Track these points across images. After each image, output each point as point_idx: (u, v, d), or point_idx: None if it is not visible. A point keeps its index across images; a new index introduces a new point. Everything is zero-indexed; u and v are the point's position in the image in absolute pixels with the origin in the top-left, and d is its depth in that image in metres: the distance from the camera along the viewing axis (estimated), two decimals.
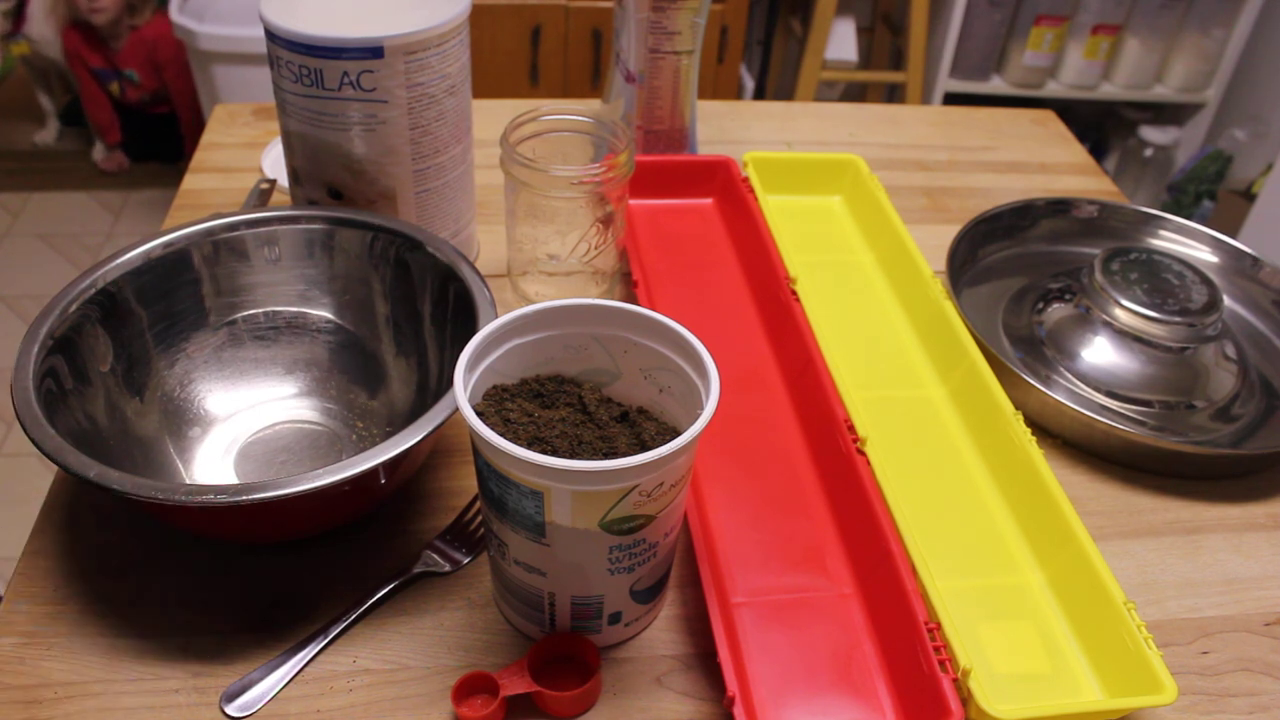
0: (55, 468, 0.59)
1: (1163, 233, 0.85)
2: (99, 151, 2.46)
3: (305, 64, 0.64)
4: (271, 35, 0.65)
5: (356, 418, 0.66)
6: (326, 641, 0.53)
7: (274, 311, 0.67)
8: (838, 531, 0.60)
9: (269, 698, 0.51)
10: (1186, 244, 0.84)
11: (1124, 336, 0.72)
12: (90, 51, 2.24)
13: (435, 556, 0.58)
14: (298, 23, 0.63)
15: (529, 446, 0.48)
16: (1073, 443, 0.69)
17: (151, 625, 0.54)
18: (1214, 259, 0.83)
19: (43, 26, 2.26)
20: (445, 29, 0.65)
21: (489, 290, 0.60)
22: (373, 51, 0.63)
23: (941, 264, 0.78)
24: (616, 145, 0.70)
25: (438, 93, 0.67)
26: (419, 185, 0.70)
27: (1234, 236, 0.89)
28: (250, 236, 0.65)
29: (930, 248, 0.82)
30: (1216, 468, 0.68)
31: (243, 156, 0.91)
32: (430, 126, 0.68)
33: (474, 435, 0.45)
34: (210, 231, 0.64)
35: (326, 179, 0.69)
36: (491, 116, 0.94)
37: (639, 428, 0.52)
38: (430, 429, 0.51)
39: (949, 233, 0.80)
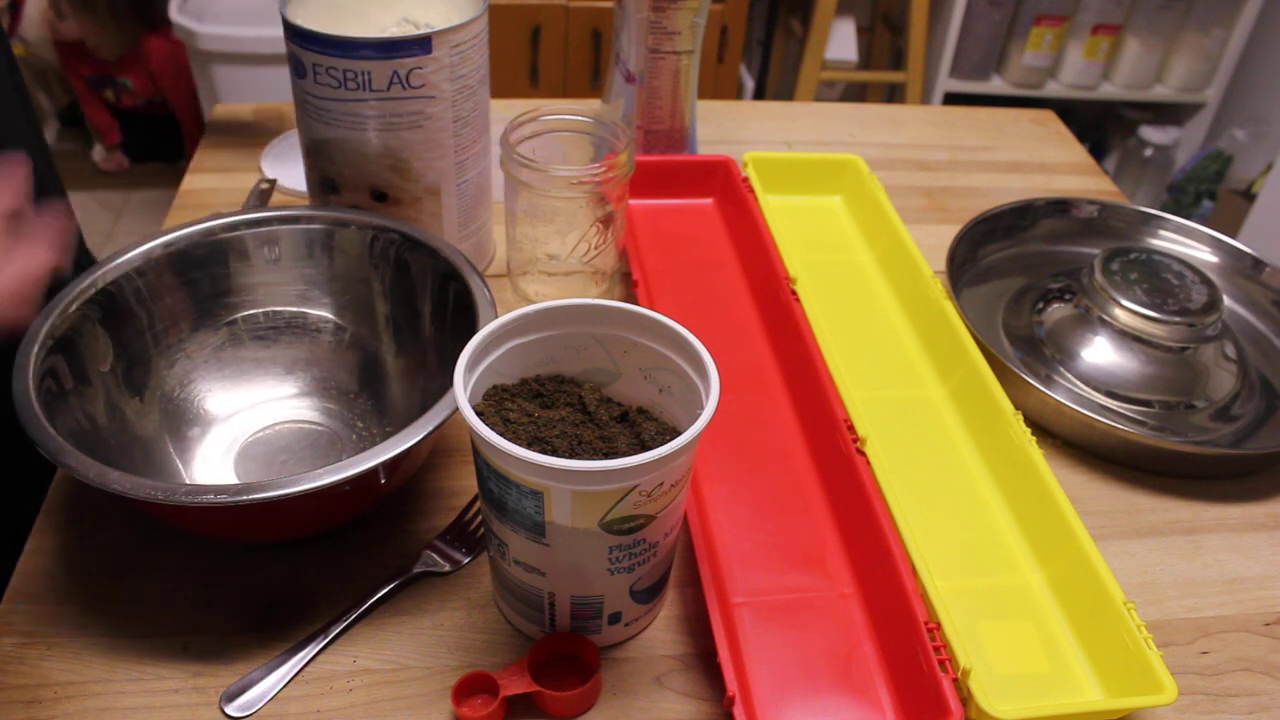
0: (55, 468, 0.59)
1: (1163, 233, 0.85)
2: (99, 152, 2.46)
3: (351, 68, 0.63)
4: (312, 43, 0.63)
5: (356, 418, 0.66)
6: (326, 641, 0.53)
7: (274, 311, 0.67)
8: (838, 531, 0.60)
9: (269, 698, 0.51)
10: (1186, 244, 0.84)
11: (1124, 336, 0.72)
12: (82, 61, 2.23)
13: (435, 556, 0.58)
14: (340, 27, 0.63)
15: (529, 446, 0.48)
16: (1073, 443, 0.69)
17: (151, 625, 0.54)
18: (1214, 259, 0.83)
19: (37, 30, 2.26)
20: (483, 15, 0.66)
21: (489, 290, 0.60)
22: (421, 46, 0.63)
23: (941, 264, 0.78)
24: (616, 145, 0.70)
25: (474, 83, 0.68)
26: (460, 177, 0.71)
27: (1234, 236, 0.89)
28: (250, 236, 0.65)
29: (930, 248, 0.82)
30: (1216, 468, 0.68)
31: (243, 156, 0.91)
32: (469, 118, 0.69)
33: (474, 435, 0.45)
34: (210, 231, 0.64)
35: (371, 183, 0.69)
36: (492, 116, 0.94)
37: (639, 428, 0.52)
38: (430, 429, 0.51)
39: (949, 233, 0.80)
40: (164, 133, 2.40)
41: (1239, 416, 0.72)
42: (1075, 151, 1.04)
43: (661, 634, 0.55)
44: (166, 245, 0.63)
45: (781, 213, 0.86)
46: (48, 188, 0.74)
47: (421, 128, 0.67)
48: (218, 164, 0.90)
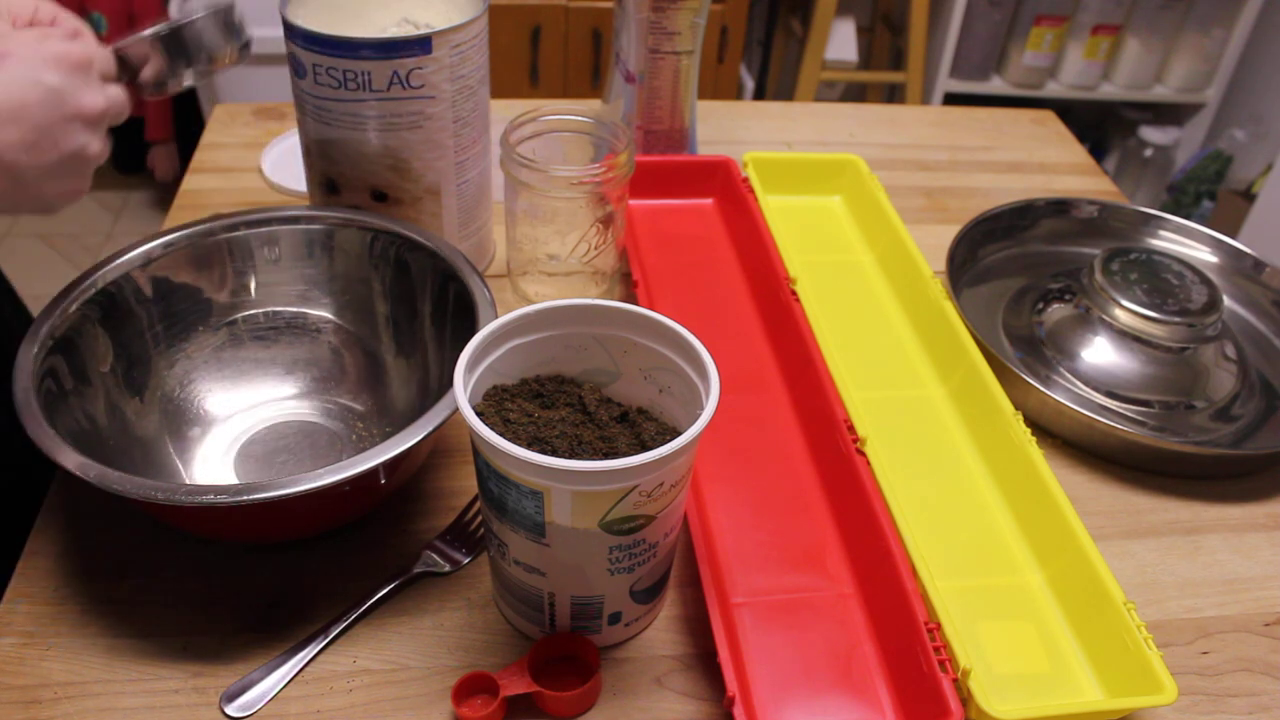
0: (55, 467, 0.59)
1: (1163, 233, 0.85)
2: None
3: (351, 68, 0.63)
4: (312, 43, 0.63)
5: (356, 418, 0.66)
6: (326, 641, 0.53)
7: (274, 311, 0.67)
8: (838, 531, 0.60)
9: (269, 698, 0.51)
10: (1186, 244, 0.84)
11: (1124, 336, 0.72)
12: None
13: (435, 556, 0.58)
14: (342, 28, 0.63)
15: (529, 446, 0.48)
16: (1073, 443, 0.69)
17: (151, 625, 0.54)
18: (1214, 259, 0.83)
19: None
20: (483, 15, 0.66)
21: (489, 290, 0.60)
22: (421, 46, 0.63)
23: (941, 264, 0.78)
24: (616, 145, 0.70)
25: (474, 83, 0.68)
26: (460, 177, 0.71)
27: (1234, 236, 0.89)
28: (250, 236, 0.65)
29: (930, 248, 0.82)
30: (1216, 468, 0.68)
31: (243, 156, 0.91)
32: (469, 118, 0.69)
33: (474, 435, 0.45)
34: (210, 231, 0.64)
35: (371, 183, 0.69)
36: (492, 116, 0.94)
37: (639, 428, 0.52)
38: (430, 429, 0.51)
39: (949, 233, 0.80)
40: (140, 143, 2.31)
41: (1239, 416, 0.72)
42: (1075, 151, 1.04)
43: (661, 634, 0.55)
44: (166, 245, 0.63)
45: (781, 213, 0.86)
46: None
47: (421, 128, 0.67)
48: (218, 164, 0.90)
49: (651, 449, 0.44)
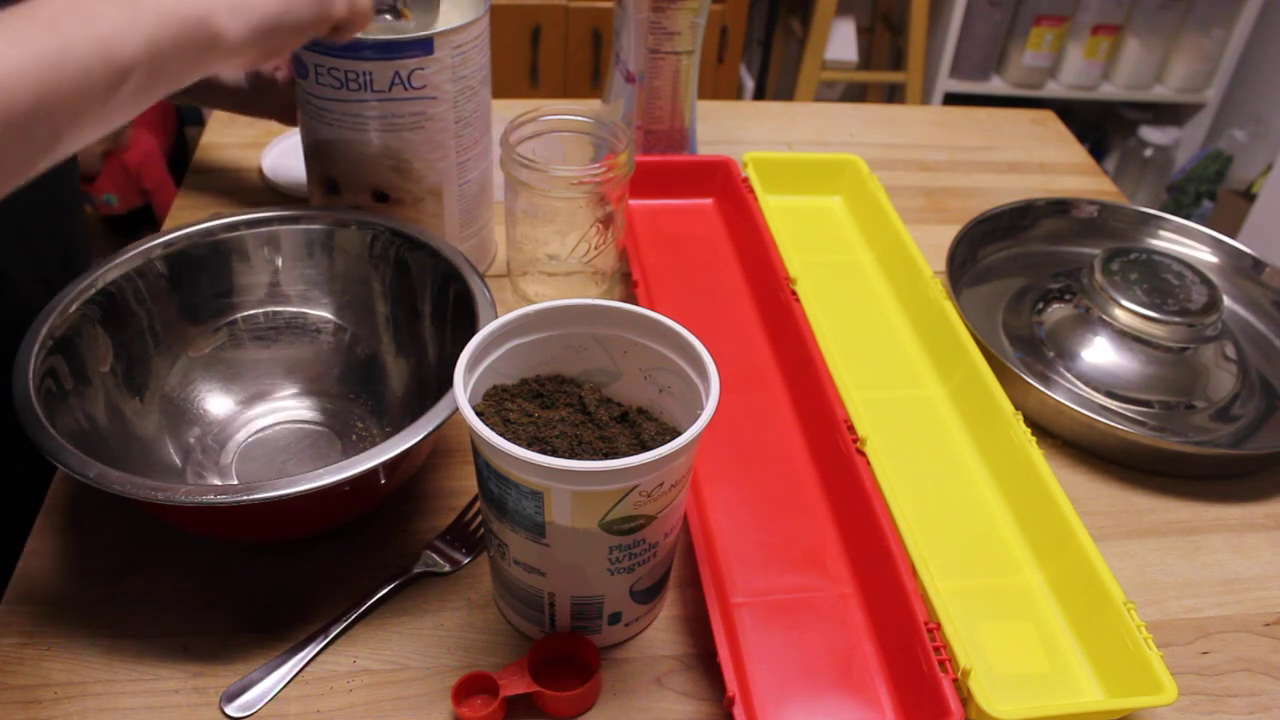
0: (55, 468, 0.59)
1: (1163, 233, 0.85)
2: None
3: (352, 69, 0.63)
4: (313, 43, 0.63)
5: (356, 418, 0.66)
6: (326, 641, 0.53)
7: (274, 311, 0.67)
8: (838, 531, 0.60)
9: (269, 698, 0.51)
10: (1186, 244, 0.84)
11: (1124, 336, 0.72)
12: None
13: (435, 556, 0.58)
14: None
15: (529, 446, 0.48)
16: (1073, 443, 0.69)
17: (151, 625, 0.54)
18: (1214, 259, 0.83)
19: None
20: (485, 16, 0.66)
21: (489, 290, 0.60)
22: (423, 47, 0.63)
23: (941, 264, 0.78)
24: (616, 145, 0.70)
25: (475, 84, 0.68)
26: (461, 177, 0.71)
27: (1234, 236, 0.89)
28: (250, 236, 0.65)
29: (930, 248, 0.82)
30: (1216, 468, 0.68)
31: (243, 156, 0.91)
32: (470, 118, 0.69)
33: (474, 435, 0.45)
34: (210, 231, 0.64)
35: (372, 183, 0.69)
36: (492, 116, 0.94)
37: (639, 428, 0.52)
38: (430, 429, 0.51)
39: (949, 233, 0.80)
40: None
41: (1239, 417, 0.72)
42: (1075, 151, 1.04)
43: (661, 634, 0.55)
44: (166, 245, 0.63)
45: (781, 213, 0.86)
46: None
47: (423, 128, 0.67)
48: (218, 164, 0.90)
49: (651, 449, 0.44)
